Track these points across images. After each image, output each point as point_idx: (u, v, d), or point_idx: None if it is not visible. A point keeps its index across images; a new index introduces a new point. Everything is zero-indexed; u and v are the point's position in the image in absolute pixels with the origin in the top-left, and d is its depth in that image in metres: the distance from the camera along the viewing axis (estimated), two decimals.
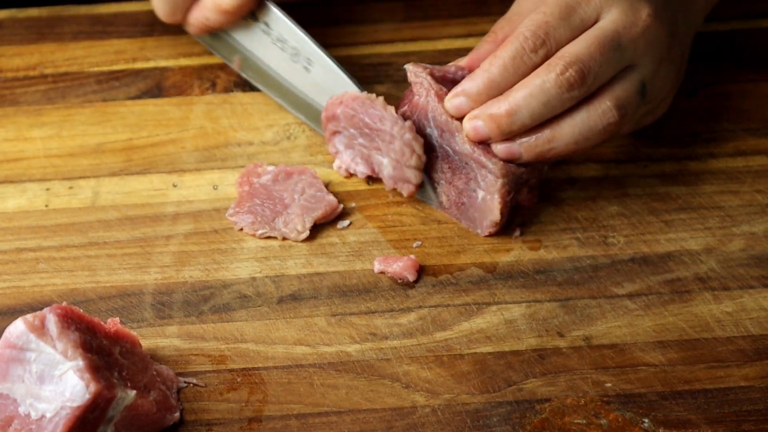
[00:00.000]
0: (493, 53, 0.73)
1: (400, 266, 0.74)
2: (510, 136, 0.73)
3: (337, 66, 0.81)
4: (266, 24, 0.84)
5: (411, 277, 0.74)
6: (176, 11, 0.84)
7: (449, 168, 0.76)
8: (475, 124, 0.73)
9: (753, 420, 0.67)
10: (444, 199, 0.78)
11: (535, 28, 0.72)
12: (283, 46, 0.83)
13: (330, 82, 0.81)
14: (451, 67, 0.78)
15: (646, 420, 0.67)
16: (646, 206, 0.79)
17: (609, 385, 0.69)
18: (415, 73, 0.77)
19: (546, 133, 0.73)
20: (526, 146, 0.73)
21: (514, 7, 0.78)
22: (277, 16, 0.83)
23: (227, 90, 0.88)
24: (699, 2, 0.81)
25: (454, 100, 0.74)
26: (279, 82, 0.84)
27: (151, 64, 0.90)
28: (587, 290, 0.74)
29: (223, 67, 0.89)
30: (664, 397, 0.68)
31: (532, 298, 0.74)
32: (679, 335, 0.71)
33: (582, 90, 0.72)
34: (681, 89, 0.82)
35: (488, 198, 0.75)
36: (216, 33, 0.86)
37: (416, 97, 0.77)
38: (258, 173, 0.80)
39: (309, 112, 0.83)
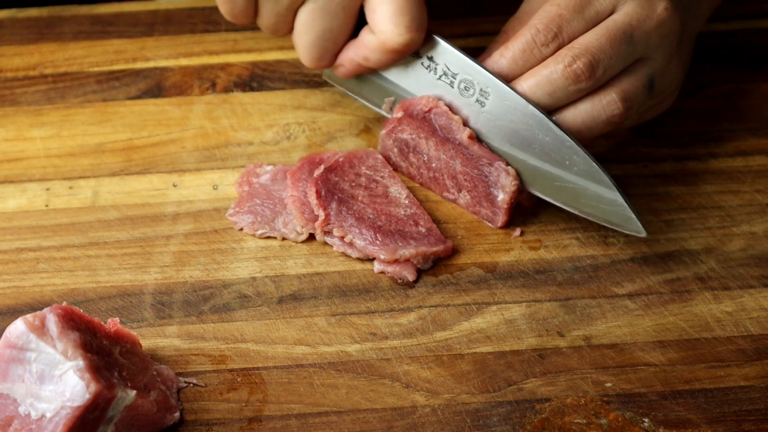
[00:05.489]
0: (505, 44, 0.73)
1: (400, 266, 0.74)
2: None
3: (518, 94, 0.72)
4: (430, 58, 0.75)
5: (411, 277, 0.74)
6: (326, 54, 0.76)
7: (460, 162, 0.76)
8: None
9: (753, 420, 0.67)
10: (454, 190, 0.78)
11: (548, 21, 0.72)
12: (451, 81, 0.74)
13: (509, 114, 0.73)
14: None
15: (646, 420, 0.67)
16: (646, 206, 0.79)
17: (609, 384, 0.69)
18: None
19: None
20: None
21: (524, 6, 0.77)
22: (444, 47, 0.74)
23: (227, 90, 0.88)
24: (704, 3, 0.81)
25: None
26: None
27: (151, 64, 0.90)
28: (587, 290, 0.74)
29: (223, 67, 0.89)
30: (664, 397, 0.68)
31: (532, 298, 0.73)
32: (679, 335, 0.71)
33: (590, 83, 0.71)
34: (681, 89, 0.82)
35: (496, 192, 0.75)
36: (365, 75, 0.78)
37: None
38: (258, 173, 0.80)
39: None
